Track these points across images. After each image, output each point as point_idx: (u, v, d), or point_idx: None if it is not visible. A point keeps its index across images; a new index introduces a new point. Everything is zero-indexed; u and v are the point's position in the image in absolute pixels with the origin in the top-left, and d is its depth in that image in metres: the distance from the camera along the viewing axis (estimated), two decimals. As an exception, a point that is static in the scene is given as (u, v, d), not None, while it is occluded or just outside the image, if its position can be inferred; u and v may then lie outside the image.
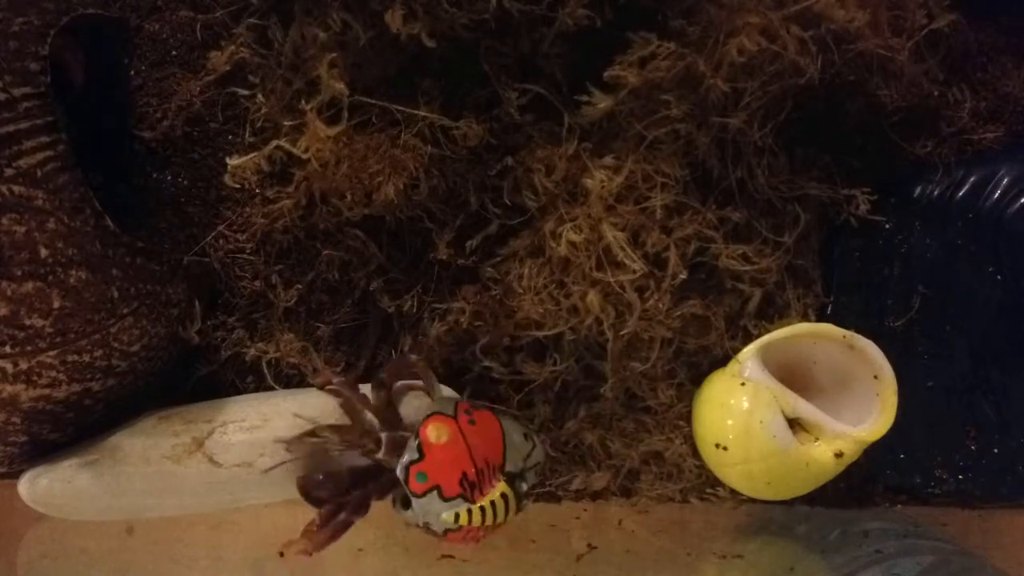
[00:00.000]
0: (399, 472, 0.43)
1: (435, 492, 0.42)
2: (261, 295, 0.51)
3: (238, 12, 0.48)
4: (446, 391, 0.47)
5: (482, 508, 0.43)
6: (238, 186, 0.49)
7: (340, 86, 0.44)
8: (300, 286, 0.51)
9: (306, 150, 0.46)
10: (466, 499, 0.42)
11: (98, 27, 0.48)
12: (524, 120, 0.47)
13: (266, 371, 0.51)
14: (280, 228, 0.50)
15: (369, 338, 0.52)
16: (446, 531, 0.43)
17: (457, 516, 0.42)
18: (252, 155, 0.48)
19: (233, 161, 0.49)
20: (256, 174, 0.49)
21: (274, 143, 0.47)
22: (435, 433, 0.43)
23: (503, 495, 0.43)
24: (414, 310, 0.51)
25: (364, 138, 0.46)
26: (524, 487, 0.44)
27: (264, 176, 0.50)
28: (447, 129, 0.46)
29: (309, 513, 0.50)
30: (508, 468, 0.44)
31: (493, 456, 0.43)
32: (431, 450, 0.42)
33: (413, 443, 0.43)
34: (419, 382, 0.46)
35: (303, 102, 0.45)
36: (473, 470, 0.42)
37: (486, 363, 0.51)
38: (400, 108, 0.45)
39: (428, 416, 0.43)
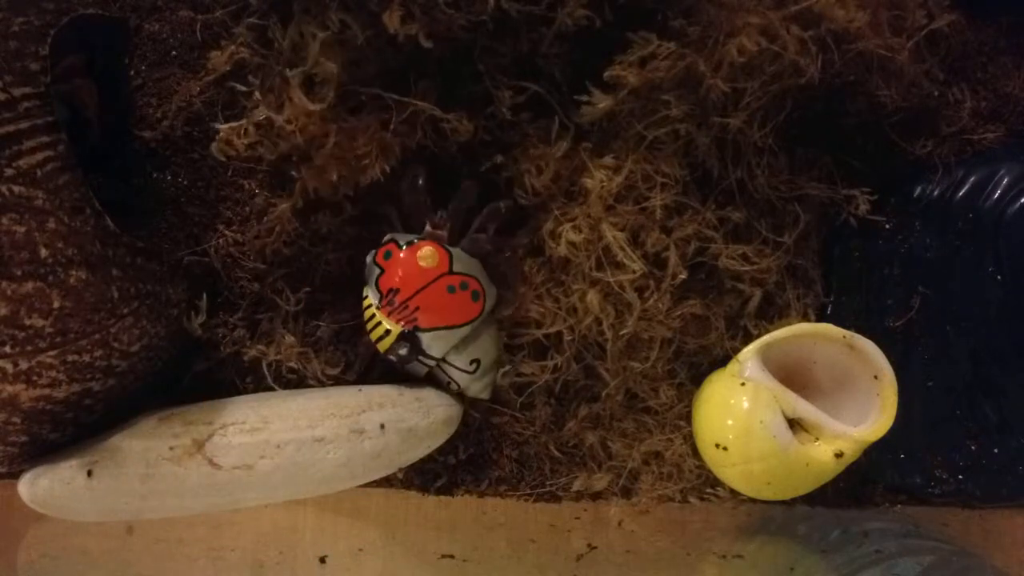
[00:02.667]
0: (388, 234, 0.47)
1: (380, 271, 0.46)
2: (261, 296, 0.51)
3: (238, 12, 0.48)
4: (490, 289, 0.48)
5: (373, 315, 0.47)
6: (224, 158, 0.49)
7: (331, 66, 0.44)
8: (302, 287, 0.51)
9: (289, 121, 0.45)
10: (379, 303, 0.47)
11: (98, 27, 0.48)
12: (520, 119, 0.47)
13: (266, 372, 0.51)
14: (278, 232, 0.50)
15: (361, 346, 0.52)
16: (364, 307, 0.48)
17: (368, 303, 0.47)
18: (241, 122, 0.47)
19: (223, 126, 0.48)
20: (244, 144, 0.48)
21: (263, 111, 0.46)
22: (425, 253, 0.46)
23: (387, 330, 0.47)
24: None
25: (353, 120, 0.45)
26: (406, 349, 0.47)
27: (263, 178, 0.50)
28: (437, 121, 0.46)
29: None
30: (423, 338, 0.47)
31: (430, 317, 0.46)
32: (409, 255, 0.46)
33: (409, 237, 0.46)
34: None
35: (287, 71, 0.45)
36: (403, 298, 0.46)
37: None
38: (393, 96, 0.45)
39: (443, 246, 0.46)
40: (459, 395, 0.50)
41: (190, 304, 0.49)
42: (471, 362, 0.48)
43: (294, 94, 0.44)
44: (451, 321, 0.47)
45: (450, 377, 0.49)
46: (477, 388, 0.50)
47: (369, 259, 0.47)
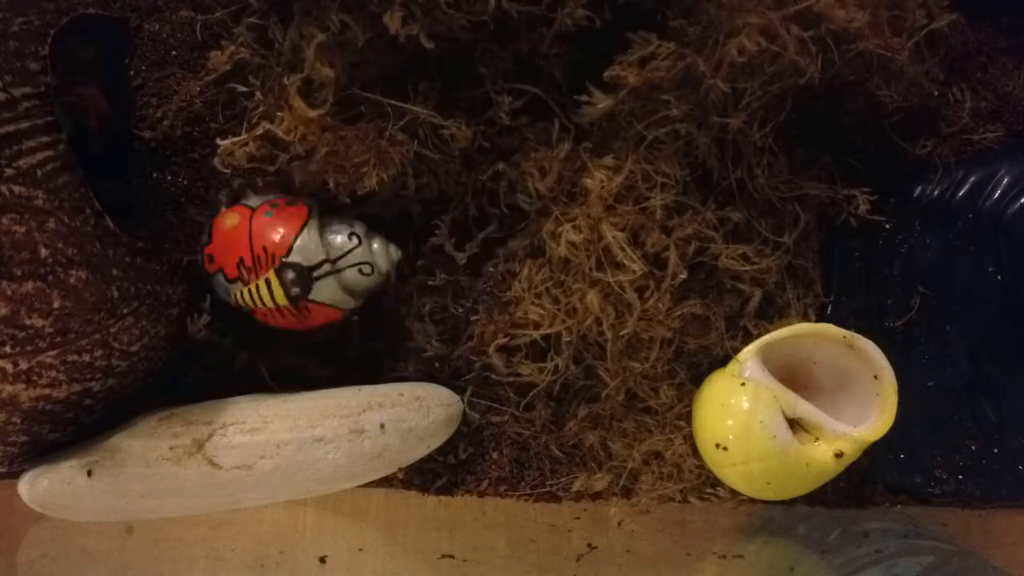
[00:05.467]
0: (198, 254, 0.48)
1: (220, 273, 0.48)
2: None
3: (238, 12, 0.48)
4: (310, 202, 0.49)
5: (250, 290, 0.47)
6: (228, 171, 0.49)
7: (328, 71, 0.44)
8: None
9: (288, 131, 0.45)
10: (244, 282, 0.47)
11: (98, 27, 0.48)
12: (518, 123, 0.47)
13: (263, 372, 0.51)
14: None
15: (354, 339, 0.52)
16: (250, 310, 0.48)
17: (237, 293, 0.47)
18: (242, 137, 0.48)
19: (224, 141, 0.48)
20: (245, 154, 0.48)
21: (263, 125, 0.47)
22: (224, 220, 0.47)
23: (266, 280, 0.46)
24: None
25: (352, 128, 0.46)
26: (291, 276, 0.46)
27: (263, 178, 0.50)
28: (437, 128, 0.46)
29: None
30: (294, 259, 0.46)
31: (277, 247, 0.47)
32: (218, 235, 0.47)
33: (207, 228, 0.48)
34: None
35: (286, 78, 0.45)
36: (250, 256, 0.47)
37: (485, 360, 0.51)
38: (391, 102, 0.45)
39: (228, 203, 0.48)
40: (387, 274, 0.49)
41: (192, 305, 0.49)
42: (350, 236, 0.48)
43: (293, 101, 0.44)
44: (295, 228, 0.47)
45: (355, 265, 0.48)
46: (380, 249, 0.48)
47: (219, 280, 0.48)
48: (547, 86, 0.47)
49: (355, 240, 0.48)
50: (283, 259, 0.46)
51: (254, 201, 0.48)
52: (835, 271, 0.52)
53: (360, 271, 0.48)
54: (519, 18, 0.44)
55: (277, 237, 0.46)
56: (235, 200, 0.49)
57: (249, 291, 0.47)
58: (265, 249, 0.46)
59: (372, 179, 0.46)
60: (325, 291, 0.47)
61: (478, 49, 0.46)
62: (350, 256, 0.48)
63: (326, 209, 0.49)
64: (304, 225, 0.47)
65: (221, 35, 0.49)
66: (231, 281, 0.47)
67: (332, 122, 0.45)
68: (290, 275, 0.46)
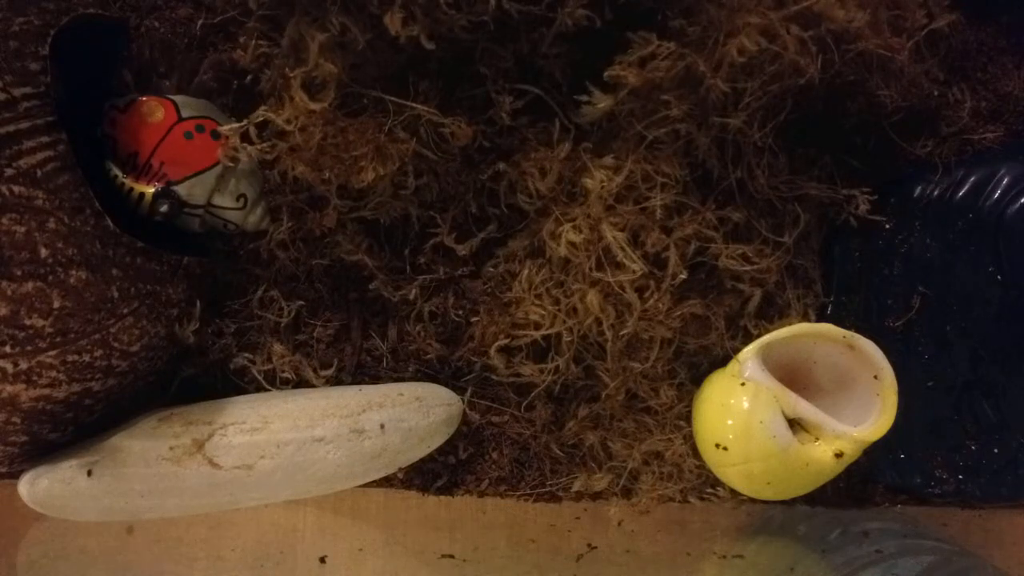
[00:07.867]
0: (106, 106, 0.47)
1: (110, 143, 0.46)
2: (255, 302, 0.51)
3: (239, 12, 0.48)
4: (224, 121, 0.48)
5: (123, 182, 0.46)
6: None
7: (331, 67, 0.44)
8: (294, 296, 0.51)
9: (289, 121, 0.45)
10: (123, 170, 0.46)
11: (98, 27, 0.48)
12: (519, 123, 0.47)
13: (257, 376, 0.51)
14: (276, 243, 0.50)
15: (354, 339, 0.52)
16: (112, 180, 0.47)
17: (113, 174, 0.46)
18: (242, 123, 0.47)
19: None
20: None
21: (262, 110, 0.46)
22: (148, 109, 0.46)
23: (141, 194, 0.46)
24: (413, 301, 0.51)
25: (352, 121, 0.45)
26: (165, 207, 0.46)
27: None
28: (437, 126, 0.46)
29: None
30: (179, 191, 0.47)
31: (174, 170, 0.46)
32: (134, 115, 0.46)
33: (128, 97, 0.47)
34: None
35: (288, 69, 0.45)
36: (143, 160, 0.46)
37: (486, 361, 0.51)
38: (392, 99, 0.45)
39: (164, 96, 0.47)
40: (241, 233, 0.50)
41: (190, 304, 0.49)
42: (238, 198, 0.48)
43: (295, 94, 0.44)
44: (200, 166, 0.47)
45: (223, 219, 0.49)
46: (254, 221, 0.49)
47: (98, 132, 0.47)
48: (547, 86, 0.47)
49: (241, 203, 0.48)
50: (170, 185, 0.46)
51: (187, 108, 0.47)
52: (835, 271, 0.52)
53: (225, 226, 0.49)
54: (519, 18, 0.44)
55: (179, 164, 0.46)
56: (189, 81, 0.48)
57: (122, 183, 0.46)
58: (162, 164, 0.46)
59: (369, 173, 0.46)
60: (183, 221, 0.48)
61: (478, 49, 0.46)
62: (227, 212, 0.48)
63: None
64: (209, 168, 0.47)
65: (237, 34, 0.49)
66: (115, 156, 0.46)
67: (333, 115, 0.45)
68: (164, 206, 0.46)
